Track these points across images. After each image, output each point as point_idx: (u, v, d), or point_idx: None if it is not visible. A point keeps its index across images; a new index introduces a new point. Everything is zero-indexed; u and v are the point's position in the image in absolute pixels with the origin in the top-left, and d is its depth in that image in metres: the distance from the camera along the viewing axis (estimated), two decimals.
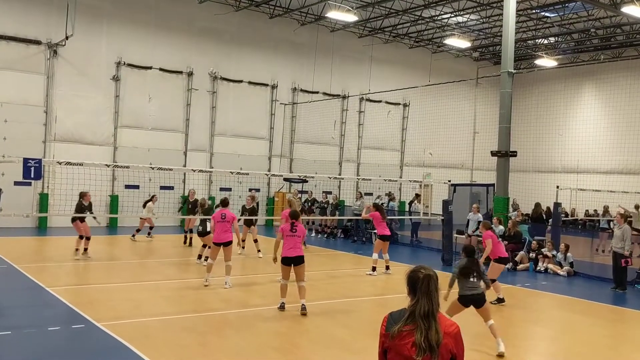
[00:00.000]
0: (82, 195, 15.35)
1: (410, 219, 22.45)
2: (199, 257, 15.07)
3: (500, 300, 11.53)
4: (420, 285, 3.45)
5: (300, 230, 10.09)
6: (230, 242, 12.03)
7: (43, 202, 21.65)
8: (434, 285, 3.45)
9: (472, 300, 8.29)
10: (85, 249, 15.26)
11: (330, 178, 22.68)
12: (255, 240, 16.99)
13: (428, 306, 3.40)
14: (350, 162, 30.94)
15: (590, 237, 23.08)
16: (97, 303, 10.29)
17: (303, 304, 9.92)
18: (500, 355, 7.96)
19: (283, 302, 10.09)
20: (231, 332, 8.91)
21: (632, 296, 13.54)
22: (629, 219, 16.96)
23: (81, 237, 15.13)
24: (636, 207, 22.89)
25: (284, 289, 10.18)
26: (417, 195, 23.12)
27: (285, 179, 26.67)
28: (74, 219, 15.22)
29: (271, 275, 13.01)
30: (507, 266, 14.76)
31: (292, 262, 9.97)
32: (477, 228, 17.86)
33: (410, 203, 23.74)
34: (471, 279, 8.29)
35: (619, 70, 29.96)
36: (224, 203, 12.58)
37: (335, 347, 8.38)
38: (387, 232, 15.11)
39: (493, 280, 11.24)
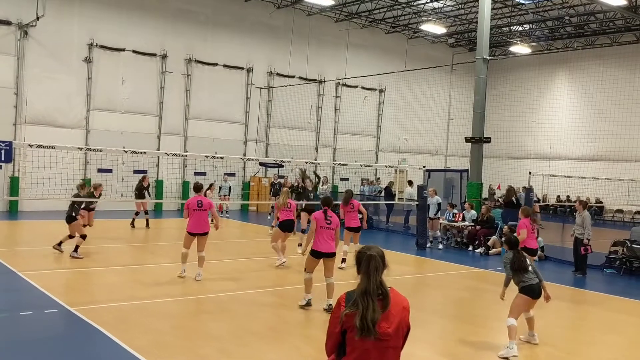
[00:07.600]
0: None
1: (386, 204, 22.63)
2: (60, 243, 13.14)
3: None
4: (361, 265, 3.53)
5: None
6: (207, 232, 11.10)
7: (14, 185, 21.28)
8: (374, 264, 3.48)
9: (533, 290, 7.77)
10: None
11: (306, 163, 22.65)
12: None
13: (365, 285, 3.44)
14: (327, 147, 30.94)
15: (561, 222, 23.52)
16: (71, 288, 10.19)
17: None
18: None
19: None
20: (206, 316, 8.90)
21: (591, 280, 13.80)
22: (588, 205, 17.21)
23: None
24: None
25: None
26: (392, 182, 23.39)
27: (261, 164, 26.58)
28: None
29: (246, 260, 13.01)
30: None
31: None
32: (438, 211, 18.02)
33: (386, 189, 23.86)
34: (530, 271, 7.79)
35: (591, 58, 30.39)
36: (197, 188, 11.27)
37: (313, 329, 8.43)
38: None
39: None
